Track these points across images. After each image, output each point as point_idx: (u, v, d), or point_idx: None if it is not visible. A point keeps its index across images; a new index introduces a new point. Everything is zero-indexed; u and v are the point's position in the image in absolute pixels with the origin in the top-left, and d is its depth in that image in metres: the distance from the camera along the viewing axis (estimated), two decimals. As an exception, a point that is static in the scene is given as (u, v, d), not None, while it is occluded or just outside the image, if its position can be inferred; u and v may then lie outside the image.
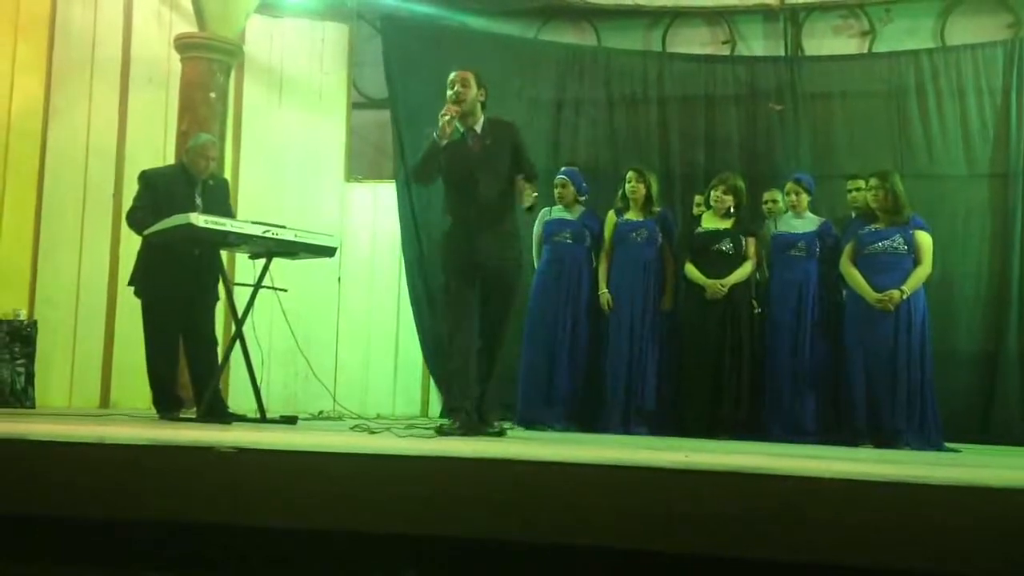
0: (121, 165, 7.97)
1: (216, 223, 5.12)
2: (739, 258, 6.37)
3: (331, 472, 2.87)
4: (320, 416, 6.89)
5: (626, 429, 6.33)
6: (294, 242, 5.40)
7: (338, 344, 8.22)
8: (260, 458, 2.93)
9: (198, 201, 5.61)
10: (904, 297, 5.74)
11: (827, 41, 8.19)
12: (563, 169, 7.00)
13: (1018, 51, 7.47)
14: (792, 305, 6.24)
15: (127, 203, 5.91)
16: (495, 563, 2.74)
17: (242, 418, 5.52)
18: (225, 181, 6.25)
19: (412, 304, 8.05)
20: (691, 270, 6.41)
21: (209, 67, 7.38)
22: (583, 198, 6.88)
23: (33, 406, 7.08)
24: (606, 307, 6.58)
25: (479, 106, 4.94)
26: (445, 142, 4.76)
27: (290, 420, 5.44)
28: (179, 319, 5.66)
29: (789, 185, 6.45)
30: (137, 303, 5.71)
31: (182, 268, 5.51)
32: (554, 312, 6.65)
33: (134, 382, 6.93)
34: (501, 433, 4.89)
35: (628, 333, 6.49)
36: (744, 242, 6.39)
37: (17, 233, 7.90)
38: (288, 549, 2.88)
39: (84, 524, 2.89)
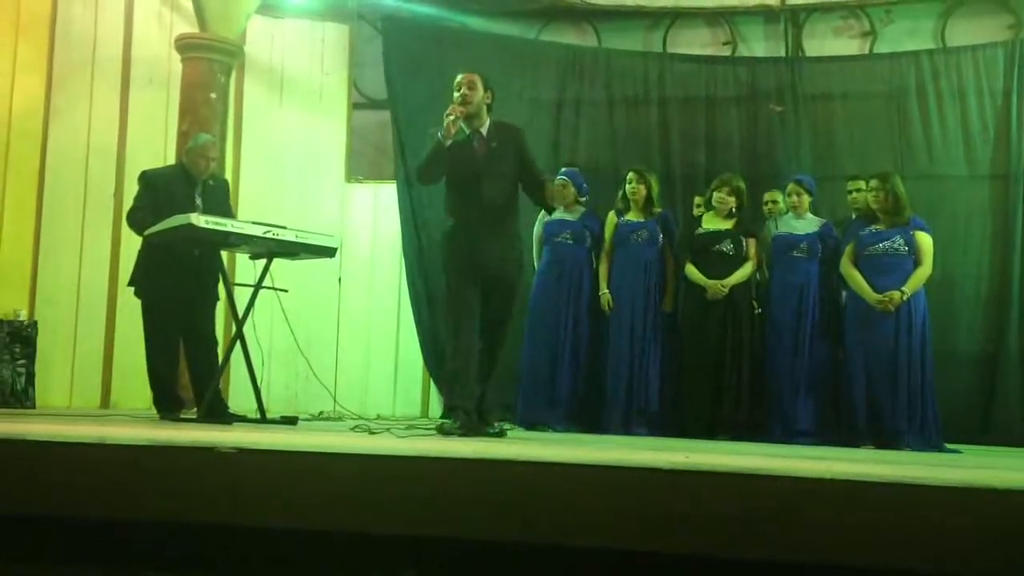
0: (122, 165, 7.97)
1: (217, 223, 5.12)
2: (740, 259, 6.37)
3: (331, 472, 2.88)
4: (320, 416, 6.89)
5: (626, 430, 6.33)
6: (294, 242, 5.40)
7: (338, 344, 8.22)
8: (260, 458, 2.94)
9: (198, 201, 5.61)
10: (905, 298, 5.74)
11: (828, 42, 8.19)
12: (563, 170, 7.00)
13: (1018, 52, 7.46)
14: (793, 306, 6.24)
15: (127, 203, 5.91)
16: (495, 564, 2.74)
17: (242, 418, 5.51)
18: (225, 181, 6.25)
19: (412, 305, 8.05)
20: (692, 271, 6.41)
21: (210, 67, 7.38)
22: (583, 199, 6.88)
23: (33, 406, 7.08)
24: (606, 308, 6.58)
25: (485, 108, 4.95)
26: (450, 142, 4.76)
27: (290, 420, 5.44)
28: (179, 319, 5.66)
29: (790, 186, 6.45)
30: (137, 303, 5.72)
31: (182, 268, 5.51)
32: (555, 313, 6.65)
33: (134, 382, 6.93)
34: (501, 433, 4.89)
35: (629, 334, 6.49)
36: (745, 243, 6.39)
37: (17, 233, 7.90)
38: (288, 549, 2.88)
39: (84, 524, 2.89)
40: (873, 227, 5.91)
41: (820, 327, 6.23)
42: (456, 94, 4.86)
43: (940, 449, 5.66)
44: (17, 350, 7.18)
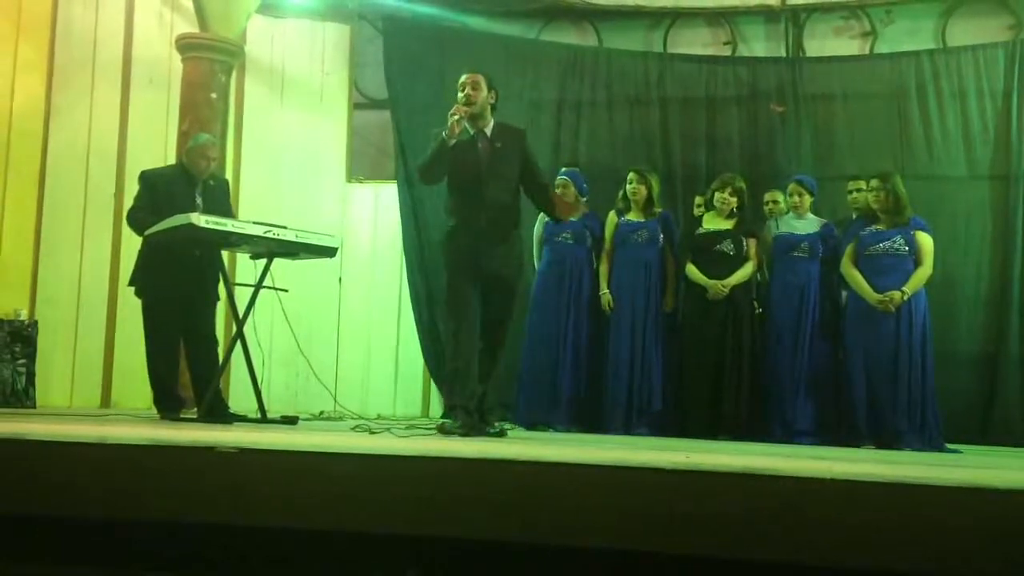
0: (122, 165, 7.97)
1: (217, 223, 5.12)
2: (740, 259, 6.37)
3: (331, 472, 2.88)
4: (321, 416, 6.89)
5: (627, 430, 6.33)
6: (295, 242, 5.40)
7: (339, 344, 8.22)
8: (261, 458, 2.94)
9: (198, 201, 5.60)
10: (905, 298, 5.74)
11: (828, 42, 8.18)
12: (564, 170, 7.00)
13: (1019, 52, 7.46)
14: (794, 306, 6.23)
15: (128, 203, 5.91)
16: (496, 564, 2.74)
17: (243, 418, 5.51)
18: (225, 181, 6.25)
19: (413, 304, 8.04)
20: (692, 271, 6.41)
21: (210, 67, 7.38)
22: (583, 199, 6.88)
23: (34, 406, 7.08)
24: (607, 308, 6.58)
25: (489, 109, 4.95)
26: (453, 142, 4.76)
27: (291, 420, 5.44)
28: (180, 319, 5.66)
29: (791, 186, 6.44)
30: (138, 303, 5.71)
31: (182, 268, 5.51)
32: (556, 313, 6.65)
33: (135, 382, 6.94)
34: (502, 433, 4.89)
35: (629, 334, 6.49)
36: (745, 243, 6.39)
37: (18, 233, 7.90)
38: (288, 549, 2.88)
39: (84, 524, 2.89)
40: (873, 227, 5.91)
41: (821, 327, 6.23)
42: (460, 94, 4.86)
43: (940, 449, 5.66)
44: (17, 350, 7.18)
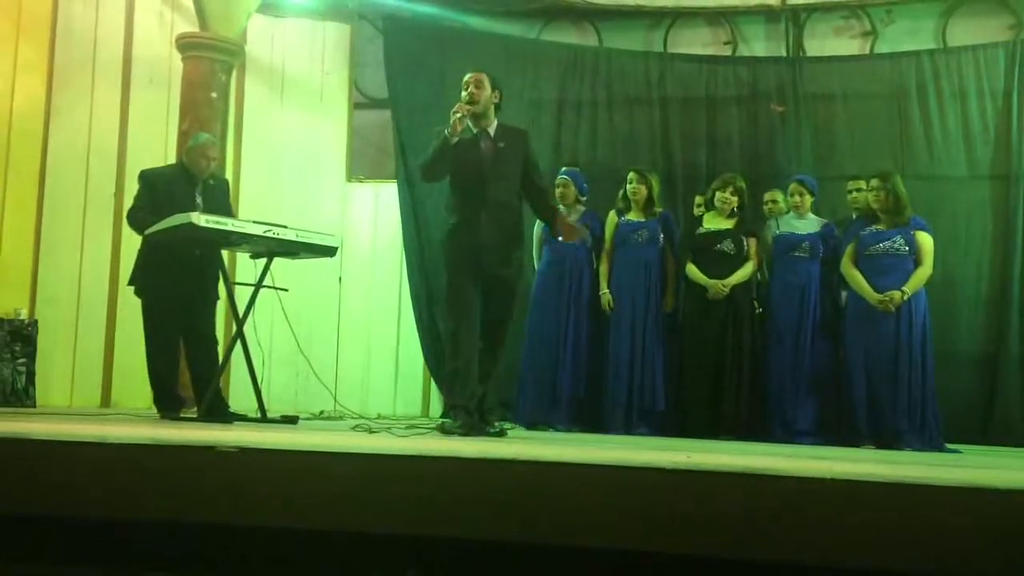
0: (122, 165, 7.97)
1: (217, 222, 5.11)
2: (741, 258, 6.36)
3: (332, 472, 2.88)
4: (321, 416, 6.89)
5: (627, 430, 6.33)
6: (295, 242, 5.40)
7: (339, 344, 8.22)
8: (261, 458, 2.94)
9: (198, 200, 5.60)
10: (905, 298, 5.73)
11: (828, 42, 8.18)
12: (564, 169, 7.00)
13: (1019, 52, 7.45)
14: (795, 306, 6.23)
15: (128, 203, 5.90)
16: (496, 563, 2.74)
17: (243, 418, 5.51)
18: (225, 181, 6.25)
19: (413, 304, 8.04)
20: (692, 270, 6.41)
21: (210, 67, 7.38)
22: (583, 199, 6.88)
23: (34, 405, 7.08)
24: (607, 308, 6.58)
25: (493, 108, 4.95)
26: (456, 140, 4.76)
27: (291, 420, 5.44)
28: (179, 319, 5.66)
29: (792, 186, 6.44)
30: (138, 302, 5.71)
31: (182, 268, 5.50)
32: (556, 313, 6.65)
33: (135, 382, 6.93)
34: (502, 433, 4.89)
35: (629, 333, 6.49)
36: (746, 242, 6.39)
37: (18, 233, 7.90)
38: (288, 549, 2.88)
39: (84, 524, 2.89)
40: (874, 227, 5.91)
41: (821, 327, 6.23)
42: (464, 92, 4.87)
43: (940, 449, 5.66)
44: (17, 349, 7.18)
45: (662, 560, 2.58)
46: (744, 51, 8.25)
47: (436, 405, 7.97)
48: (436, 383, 8.00)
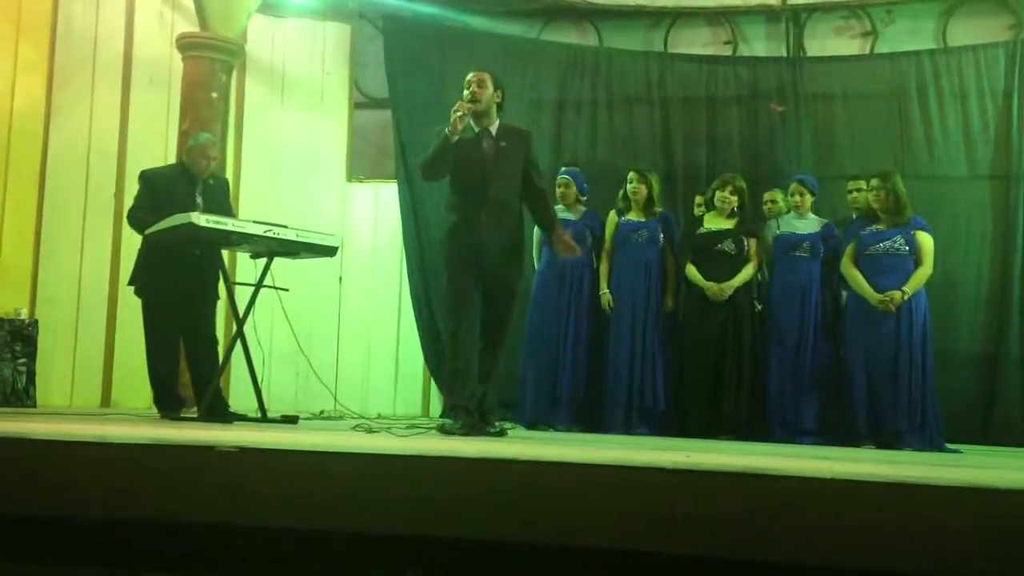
0: (122, 165, 7.97)
1: (218, 222, 5.11)
2: (741, 258, 6.36)
3: (332, 472, 2.87)
4: (321, 416, 6.89)
5: (628, 429, 6.33)
6: (295, 242, 5.40)
7: (339, 344, 8.22)
8: (261, 458, 2.94)
9: (199, 200, 5.60)
10: (905, 298, 5.73)
11: (829, 42, 8.18)
12: (565, 169, 7.00)
13: (1019, 52, 7.45)
14: (796, 306, 6.23)
15: (128, 203, 5.90)
16: (496, 563, 2.74)
17: (243, 417, 5.51)
18: (225, 181, 6.25)
19: (413, 304, 8.04)
20: (692, 271, 6.41)
21: (211, 67, 7.38)
22: (584, 199, 6.88)
23: (34, 405, 7.08)
24: (607, 307, 6.58)
25: (495, 107, 4.95)
26: (456, 138, 4.76)
27: (291, 420, 5.44)
28: (180, 319, 5.66)
29: (793, 186, 6.44)
30: (138, 302, 5.71)
31: (182, 268, 5.50)
32: (556, 312, 6.65)
33: (135, 381, 6.94)
34: (502, 433, 4.88)
35: (629, 333, 6.49)
36: (746, 242, 6.39)
37: (18, 232, 7.90)
38: (288, 549, 2.88)
39: (84, 524, 2.89)
40: (874, 227, 5.91)
41: (822, 327, 6.23)
42: (466, 91, 4.86)
43: (940, 449, 5.66)
44: (18, 349, 7.18)
45: (662, 560, 2.58)
46: (744, 51, 8.25)
47: (436, 405, 7.97)
48: (436, 383, 8.00)
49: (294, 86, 8.49)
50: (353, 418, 5.97)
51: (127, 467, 2.94)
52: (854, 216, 6.36)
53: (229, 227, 5.15)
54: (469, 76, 4.92)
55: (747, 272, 6.35)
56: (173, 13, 8.20)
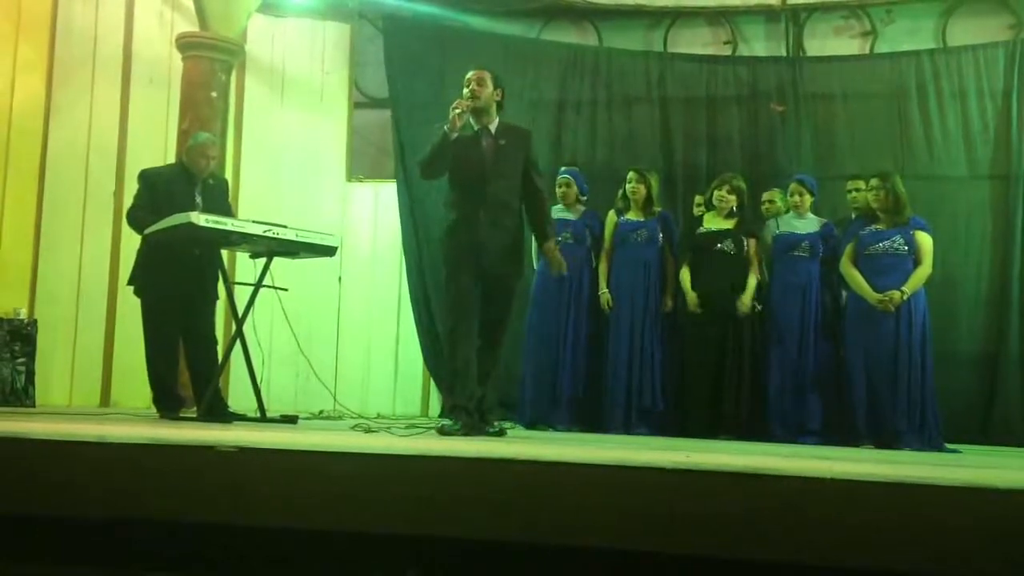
0: (122, 164, 7.97)
1: (217, 222, 5.11)
2: (740, 258, 6.36)
3: (331, 472, 2.87)
4: (320, 416, 6.89)
5: (627, 429, 6.33)
6: (295, 241, 5.40)
7: (339, 344, 8.22)
8: (261, 457, 2.93)
9: (198, 200, 5.60)
10: (905, 298, 5.73)
11: (828, 42, 8.18)
12: (565, 169, 7.00)
13: (1019, 52, 7.45)
14: (796, 306, 6.23)
15: (128, 202, 5.90)
16: (496, 563, 2.74)
17: (242, 417, 5.51)
18: (225, 180, 6.25)
19: (413, 304, 8.04)
20: (684, 276, 6.42)
21: (210, 66, 7.38)
22: (583, 198, 6.88)
23: (33, 405, 7.07)
24: (606, 307, 6.58)
25: (495, 106, 4.94)
26: (455, 135, 4.75)
27: (290, 420, 5.44)
28: (179, 318, 5.65)
29: (792, 186, 6.44)
30: (138, 302, 5.71)
31: (182, 267, 5.50)
32: (556, 312, 6.65)
33: (134, 381, 6.93)
34: (501, 433, 4.88)
35: (628, 333, 6.49)
36: (746, 243, 6.38)
37: (18, 231, 7.90)
38: (288, 549, 2.88)
39: (84, 524, 2.89)
40: (873, 227, 5.91)
41: (821, 327, 6.23)
42: (465, 90, 4.86)
43: (940, 449, 5.66)
44: (17, 348, 7.17)
45: (662, 560, 2.58)
46: (744, 51, 8.26)
47: (435, 405, 7.97)
48: (435, 383, 8.00)
49: (294, 86, 8.49)
50: (352, 418, 5.97)
51: (127, 467, 2.94)
52: (853, 216, 6.36)
53: (228, 227, 5.15)
54: (469, 74, 4.91)
55: (752, 283, 6.33)
56: (173, 12, 8.20)
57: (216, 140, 6.21)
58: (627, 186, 6.67)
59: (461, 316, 4.82)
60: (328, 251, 5.65)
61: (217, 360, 5.67)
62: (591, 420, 6.53)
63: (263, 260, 5.47)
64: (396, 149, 8.17)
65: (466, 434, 4.58)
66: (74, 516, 2.88)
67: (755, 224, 6.55)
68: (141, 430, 3.61)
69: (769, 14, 8.21)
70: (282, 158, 8.30)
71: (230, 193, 6.18)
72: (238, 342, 5.44)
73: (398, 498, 2.76)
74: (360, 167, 8.59)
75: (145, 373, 5.70)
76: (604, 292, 6.61)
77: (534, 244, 6.79)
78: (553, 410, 6.57)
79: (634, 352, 6.48)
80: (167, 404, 5.63)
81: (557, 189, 6.80)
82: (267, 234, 5.25)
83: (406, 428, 4.80)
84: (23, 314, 7.50)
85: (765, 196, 6.71)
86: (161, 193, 5.57)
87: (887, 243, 5.83)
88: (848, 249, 5.99)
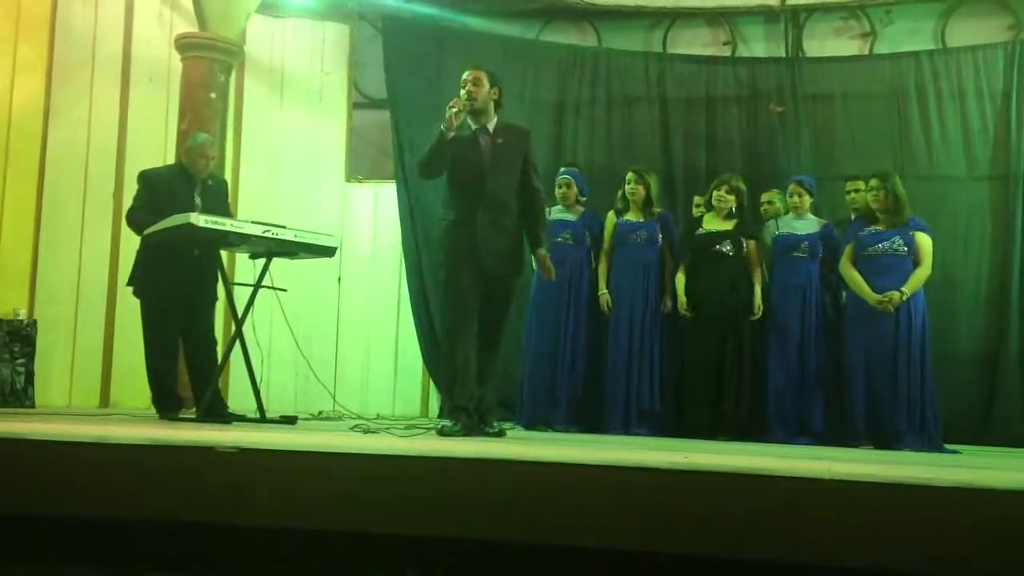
0: (121, 164, 7.96)
1: (216, 223, 5.11)
2: (739, 259, 6.36)
3: (331, 472, 2.87)
4: (320, 416, 6.88)
5: (626, 430, 6.33)
6: (294, 242, 5.39)
7: (338, 344, 8.22)
8: (260, 458, 2.93)
9: (197, 201, 5.60)
10: (904, 298, 5.73)
11: (828, 42, 8.18)
12: (565, 169, 6.99)
13: (1018, 53, 7.46)
14: (796, 306, 6.23)
15: (127, 202, 5.91)
16: (495, 563, 2.74)
17: (241, 418, 5.51)
18: (224, 181, 6.25)
19: (412, 304, 8.04)
20: (679, 281, 6.42)
21: (210, 67, 7.37)
22: (583, 199, 6.88)
23: (33, 405, 7.07)
24: (605, 308, 6.58)
25: (492, 105, 4.93)
26: (452, 134, 4.75)
27: (290, 420, 5.44)
28: (178, 319, 5.66)
29: (791, 186, 6.44)
30: (137, 302, 5.71)
31: (181, 268, 5.50)
32: (555, 313, 6.65)
33: (134, 382, 6.92)
34: (501, 434, 4.88)
35: (627, 334, 6.49)
36: (745, 244, 6.38)
37: (17, 231, 7.89)
38: (288, 549, 2.88)
39: (84, 524, 2.89)
40: (872, 227, 5.91)
41: (821, 328, 6.23)
42: (462, 90, 4.86)
43: (939, 450, 5.66)
44: (16, 349, 7.17)
45: (662, 560, 2.58)
46: (743, 51, 8.26)
47: (435, 405, 7.97)
48: (435, 383, 8.00)
49: (293, 86, 8.49)
50: (352, 418, 5.97)
51: (126, 467, 2.94)
52: (853, 217, 6.36)
53: (228, 227, 5.15)
54: (465, 74, 4.91)
55: (758, 286, 6.33)
56: (172, 13, 8.19)
57: (215, 141, 6.21)
58: (626, 187, 6.66)
59: (460, 316, 4.82)
60: (327, 251, 5.65)
61: (216, 361, 5.67)
62: (590, 421, 6.53)
63: (262, 260, 5.47)
64: (395, 149, 8.17)
65: (465, 435, 4.58)
66: (74, 516, 2.88)
67: (755, 225, 6.55)
68: (141, 431, 3.61)
69: (768, 15, 8.21)
70: (281, 158, 8.30)
71: (229, 194, 6.18)
72: (237, 343, 5.44)
73: (398, 498, 2.76)
74: (359, 167, 8.59)
75: (144, 373, 5.70)
76: (603, 293, 6.61)
77: (533, 244, 6.82)
78: (552, 411, 6.56)
79: (633, 353, 6.48)
80: (166, 405, 5.63)
81: (557, 190, 6.80)
82: (266, 234, 5.25)
83: (405, 429, 4.80)
84: (22, 314, 7.50)
85: (764, 197, 6.71)
86: (162, 193, 5.58)
87: (886, 244, 5.83)
88: (847, 250, 5.99)
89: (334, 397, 6.63)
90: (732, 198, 6.41)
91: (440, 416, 6.91)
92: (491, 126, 4.93)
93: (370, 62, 8.56)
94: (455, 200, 4.92)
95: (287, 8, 8.41)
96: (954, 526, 2.43)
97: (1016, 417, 7.00)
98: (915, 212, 6.02)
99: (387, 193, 8.28)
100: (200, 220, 5.05)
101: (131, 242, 5.98)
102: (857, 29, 8.15)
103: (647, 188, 6.63)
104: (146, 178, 5.72)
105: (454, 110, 4.73)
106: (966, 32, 7.86)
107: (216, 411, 5.40)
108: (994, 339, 7.22)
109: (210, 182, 5.77)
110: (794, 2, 8.08)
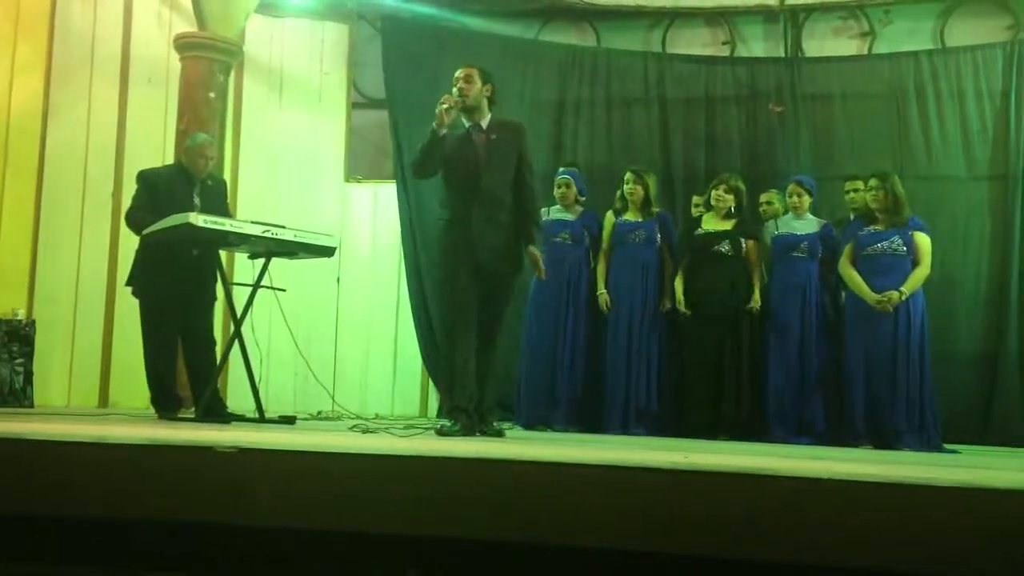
0: (120, 164, 7.97)
1: (216, 223, 5.11)
2: (738, 259, 6.36)
3: (331, 472, 2.87)
4: (319, 416, 6.88)
5: (625, 430, 6.33)
6: (293, 242, 5.39)
7: (337, 344, 8.22)
8: (260, 458, 2.93)
9: (196, 201, 5.60)
10: (903, 298, 5.74)
11: (827, 42, 8.19)
12: (564, 169, 6.99)
13: (1017, 53, 7.46)
14: (795, 307, 6.23)
15: (126, 202, 5.91)
16: (495, 563, 2.74)
17: (241, 418, 5.51)
18: (223, 181, 6.25)
19: (412, 304, 8.04)
20: (678, 284, 6.42)
21: (209, 67, 7.37)
22: (582, 199, 6.88)
23: (32, 405, 7.07)
24: (604, 308, 6.58)
25: (485, 102, 4.92)
26: (444, 132, 4.74)
27: (289, 420, 5.44)
28: (178, 319, 5.65)
29: (791, 187, 6.45)
30: (136, 302, 5.71)
31: (180, 268, 5.50)
32: (554, 313, 6.65)
33: (133, 381, 6.92)
34: (500, 434, 4.88)
35: (626, 334, 6.49)
36: (744, 244, 6.38)
37: (16, 232, 7.89)
38: (288, 549, 2.88)
39: (84, 524, 2.89)
40: (872, 227, 5.91)
41: (821, 328, 6.23)
42: (454, 88, 4.85)
43: (939, 449, 5.66)
44: (15, 349, 7.17)
45: (662, 560, 2.58)
46: (743, 51, 8.26)
47: (434, 405, 7.97)
48: (434, 383, 8.00)
49: (292, 86, 8.49)
50: (351, 418, 5.96)
51: (126, 467, 2.94)
52: (852, 216, 6.36)
53: (227, 227, 5.15)
54: (457, 73, 4.90)
55: (757, 285, 6.34)
56: (171, 13, 8.20)
57: (214, 141, 6.21)
58: (624, 187, 6.66)
59: (459, 316, 4.81)
60: (326, 251, 5.65)
61: (216, 361, 5.67)
62: (589, 421, 6.53)
63: (261, 260, 5.47)
64: (394, 149, 8.17)
65: (465, 435, 4.58)
66: (73, 516, 2.88)
67: (754, 225, 6.55)
68: (140, 431, 3.61)
69: (767, 15, 8.22)
70: (280, 158, 8.30)
71: (228, 193, 6.18)
72: (236, 343, 5.43)
73: (398, 498, 2.76)
74: (359, 167, 8.59)
75: (143, 373, 5.70)
76: (602, 293, 6.61)
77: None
78: (551, 411, 6.57)
79: (632, 353, 6.48)
80: (166, 404, 5.63)
81: (556, 190, 6.80)
82: (265, 234, 5.24)
83: (405, 428, 4.79)
84: (21, 314, 7.50)
85: (763, 197, 6.71)
86: (161, 194, 5.58)
87: (886, 243, 5.83)
88: (847, 250, 5.99)
89: (333, 397, 6.63)
90: (731, 198, 6.42)
91: (439, 416, 6.91)
92: (484, 123, 4.92)
93: (369, 62, 8.56)
94: (451, 199, 4.91)
95: (286, 8, 8.41)
96: (954, 526, 2.43)
97: (1016, 417, 7.00)
98: (914, 212, 6.02)
99: (386, 193, 8.28)
100: (199, 220, 5.04)
101: (130, 242, 5.97)
102: (856, 29, 8.16)
103: (645, 188, 6.63)
104: (145, 178, 5.72)
105: (444, 107, 4.72)
106: (965, 32, 7.86)
107: (215, 411, 5.40)
108: (993, 339, 7.22)
109: (209, 182, 5.77)
110: (793, 2, 8.09)
